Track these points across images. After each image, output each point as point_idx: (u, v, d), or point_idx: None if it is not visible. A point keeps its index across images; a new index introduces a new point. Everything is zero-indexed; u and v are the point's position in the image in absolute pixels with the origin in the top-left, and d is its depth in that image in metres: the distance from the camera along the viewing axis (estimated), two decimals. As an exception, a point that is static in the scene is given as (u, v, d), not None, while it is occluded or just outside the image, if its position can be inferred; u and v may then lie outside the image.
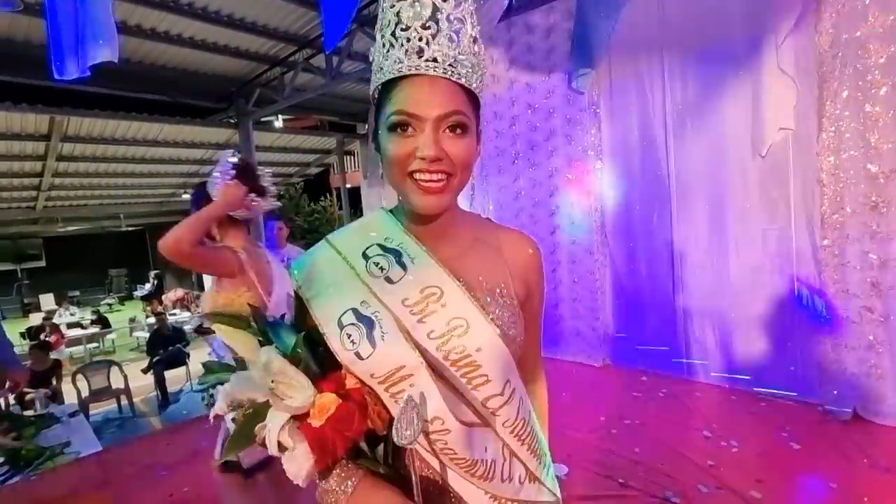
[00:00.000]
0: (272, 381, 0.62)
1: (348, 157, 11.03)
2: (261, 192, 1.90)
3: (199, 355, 6.66)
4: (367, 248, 0.72)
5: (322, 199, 16.49)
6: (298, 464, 0.61)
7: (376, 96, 0.69)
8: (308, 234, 16.08)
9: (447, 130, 0.64)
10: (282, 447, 0.62)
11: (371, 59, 0.69)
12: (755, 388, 3.03)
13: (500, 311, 0.70)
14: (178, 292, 12.72)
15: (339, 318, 0.67)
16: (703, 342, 3.30)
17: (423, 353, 0.65)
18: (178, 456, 2.84)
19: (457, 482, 0.70)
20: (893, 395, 2.53)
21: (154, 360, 6.19)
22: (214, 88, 6.33)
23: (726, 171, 3.09)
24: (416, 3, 0.63)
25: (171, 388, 6.10)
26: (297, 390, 0.62)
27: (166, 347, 6.30)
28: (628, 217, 3.54)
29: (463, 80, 0.65)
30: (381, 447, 0.67)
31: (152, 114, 6.37)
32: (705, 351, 3.30)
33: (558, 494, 0.79)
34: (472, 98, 0.67)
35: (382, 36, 0.66)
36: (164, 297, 12.38)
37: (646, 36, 3.28)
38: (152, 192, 11.13)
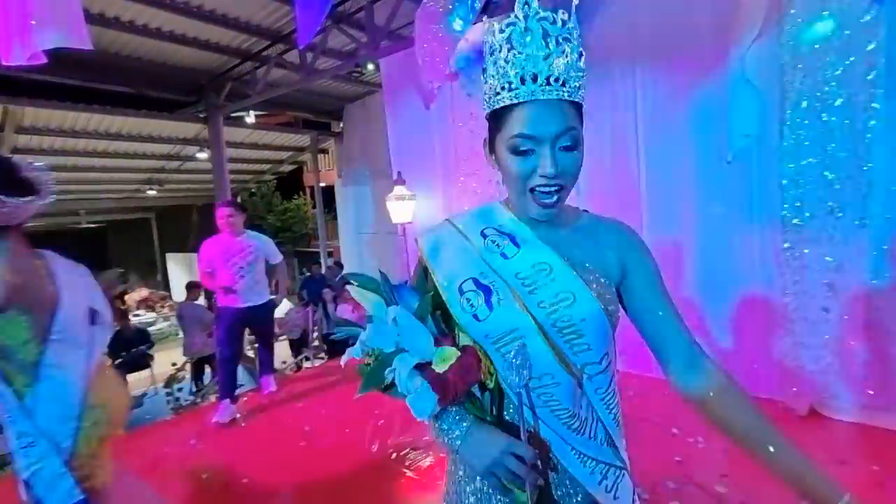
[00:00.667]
0: (398, 335, 0.74)
1: (323, 156, 10.88)
2: (21, 188, 1.39)
3: (164, 357, 6.43)
4: (485, 228, 0.83)
5: (295, 197, 16.20)
6: (422, 403, 0.72)
7: (491, 114, 0.76)
8: (281, 233, 15.76)
9: (561, 147, 0.72)
10: (407, 390, 0.73)
11: (484, 80, 0.75)
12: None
13: (601, 290, 0.78)
14: (143, 292, 12.25)
15: (461, 286, 0.78)
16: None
17: (534, 317, 0.75)
18: (141, 463, 2.74)
19: (551, 437, 0.78)
20: (847, 392, 2.66)
21: (115, 362, 5.94)
22: (183, 81, 6.13)
23: (694, 175, 3.18)
24: (528, 31, 0.69)
25: (133, 392, 5.87)
26: (420, 342, 0.74)
27: (129, 350, 6.05)
28: (601, 219, 3.60)
29: (573, 97, 0.72)
30: (488, 398, 0.78)
31: (116, 106, 6.11)
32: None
33: (627, 463, 0.86)
34: (579, 107, 0.74)
35: (493, 59, 0.73)
36: (127, 297, 11.89)
37: (618, 44, 3.34)
38: (115, 188, 10.71)
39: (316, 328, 6.03)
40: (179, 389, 5.01)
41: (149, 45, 5.07)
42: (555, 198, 0.74)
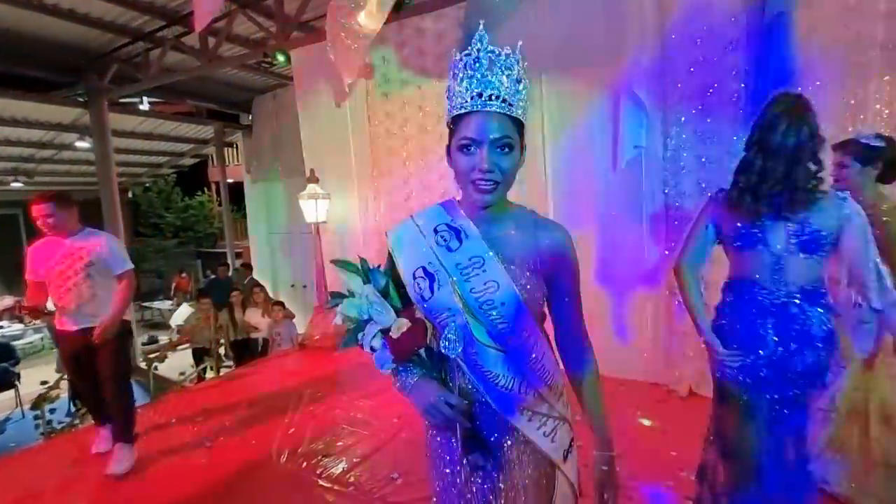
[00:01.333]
0: (369, 307, 0.97)
1: (229, 149, 10.15)
2: None
3: (34, 375, 5.59)
4: (438, 225, 1.01)
5: (199, 193, 14.92)
6: (382, 360, 0.97)
7: (450, 123, 0.95)
8: (182, 233, 14.44)
9: (498, 149, 0.90)
10: (373, 349, 0.98)
11: (447, 98, 0.95)
12: (615, 374, 3.42)
13: (522, 280, 0.96)
14: (7, 300, 10.54)
15: (414, 272, 0.99)
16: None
17: (465, 301, 0.95)
18: (5, 499, 2.35)
19: (485, 391, 0.97)
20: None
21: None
22: (59, 59, 5.37)
23: (593, 180, 3.44)
24: (478, 60, 0.90)
25: (-7, 417, 5.03)
26: (384, 314, 0.97)
27: (-12, 367, 5.19)
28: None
29: (511, 112, 0.91)
30: (430, 360, 1.00)
31: (-32, 82, 5.19)
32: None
33: (567, 416, 1.03)
34: (518, 122, 0.93)
35: (452, 80, 0.93)
36: (-15, 306, 10.13)
37: (524, 52, 3.51)
38: (-31, 179, 9.09)
39: (220, 335, 5.61)
40: (52, 411, 4.37)
41: (17, 16, 4.36)
42: (490, 188, 0.91)
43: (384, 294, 0.98)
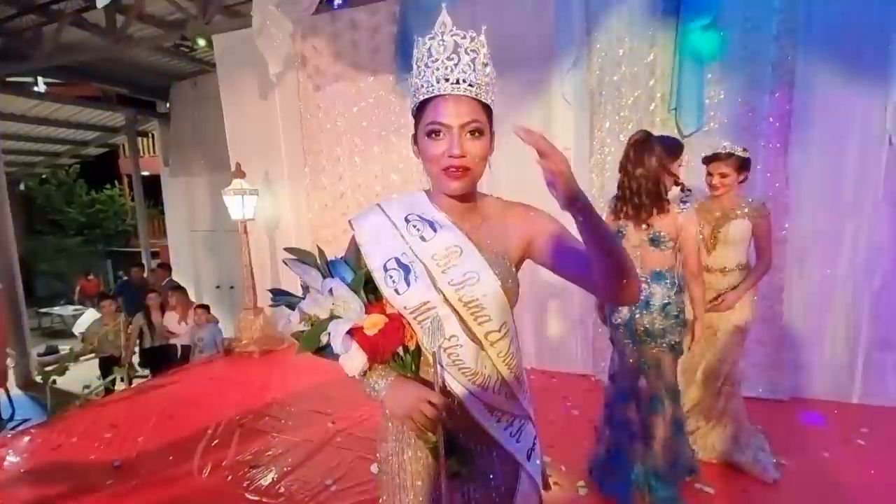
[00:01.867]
0: (333, 303, 0.89)
1: (144, 139, 9.31)
2: None
3: None
4: (409, 214, 0.96)
5: (107, 186, 13.56)
6: (354, 361, 0.88)
7: (415, 110, 0.91)
8: (87, 230, 13.04)
9: (468, 134, 0.86)
10: (341, 350, 0.87)
11: (410, 82, 0.92)
12: (548, 368, 3.57)
13: (500, 270, 0.92)
14: None
15: (385, 264, 0.92)
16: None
17: (444, 294, 0.90)
18: None
19: (460, 391, 0.93)
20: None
21: None
22: (-77, 28, 4.62)
23: (525, 182, 3.53)
24: (442, 41, 0.87)
25: None
26: (352, 310, 0.88)
27: None
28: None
29: (478, 96, 0.87)
30: (409, 358, 0.93)
31: None
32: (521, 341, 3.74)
33: (530, 413, 1.01)
34: (487, 107, 0.90)
35: (418, 65, 0.89)
36: None
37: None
38: None
39: (127, 342, 5.12)
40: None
41: None
42: (462, 174, 0.87)
43: (353, 289, 0.90)
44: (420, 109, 0.90)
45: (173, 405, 3.33)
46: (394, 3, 3.62)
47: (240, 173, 4.31)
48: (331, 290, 0.88)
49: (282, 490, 2.27)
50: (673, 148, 2.07)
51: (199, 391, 3.61)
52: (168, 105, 7.18)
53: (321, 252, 0.93)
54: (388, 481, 1.01)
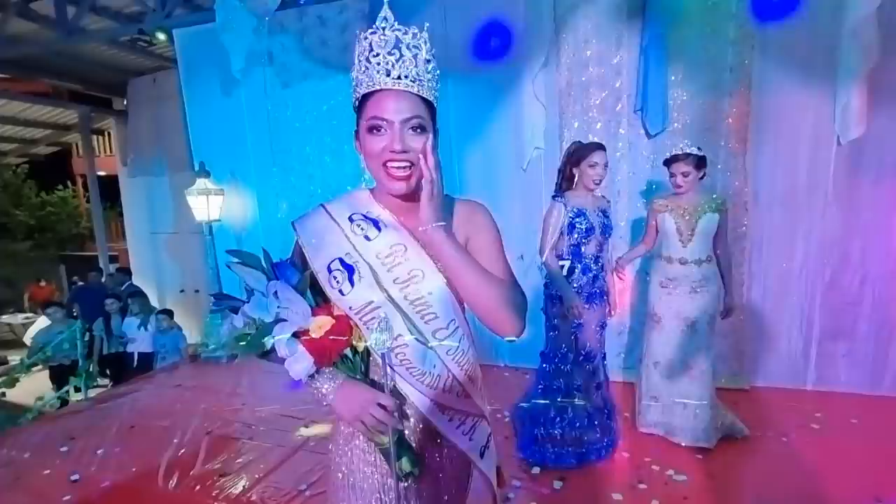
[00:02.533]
0: (278, 306, 0.87)
1: (99, 138, 8.88)
2: None
3: None
4: (353, 214, 0.95)
5: (60, 188, 12.86)
6: (300, 364, 0.86)
7: (357, 105, 0.90)
8: (38, 234, 12.32)
9: (409, 130, 0.86)
10: (286, 353, 0.86)
11: (353, 79, 0.90)
12: (525, 365, 3.61)
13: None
14: None
15: (329, 265, 0.91)
16: (484, 329, 3.76)
17: (389, 293, 0.89)
18: None
19: (410, 391, 0.92)
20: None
21: None
22: None
23: (498, 179, 3.57)
24: (384, 36, 0.85)
25: None
26: (298, 313, 0.87)
27: None
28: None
29: (420, 91, 0.87)
30: (358, 359, 0.92)
31: None
32: (487, 337, 3.76)
33: (484, 411, 0.99)
34: (429, 104, 0.89)
35: (359, 60, 0.88)
36: None
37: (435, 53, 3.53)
38: None
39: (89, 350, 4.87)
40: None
41: None
42: (406, 172, 0.86)
43: (300, 291, 0.89)
44: (361, 104, 0.89)
45: (135, 415, 3.19)
46: (363, 0, 3.57)
47: (203, 172, 4.16)
48: (276, 293, 0.86)
49: (254, 497, 2.21)
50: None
51: (163, 399, 3.46)
52: (125, 102, 6.86)
53: (266, 254, 0.92)
54: (340, 482, 0.99)
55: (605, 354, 2.43)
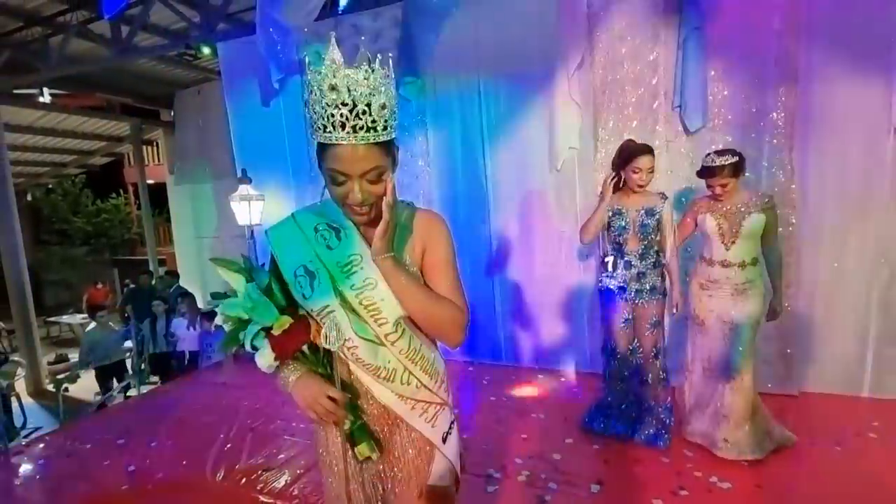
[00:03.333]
0: (250, 306, 0.96)
1: (148, 148, 9.38)
2: None
3: None
4: (318, 224, 1.03)
5: (113, 196, 13.64)
6: (265, 358, 0.96)
7: (316, 147, 0.93)
8: (93, 239, 13.12)
9: (367, 181, 0.90)
10: (253, 347, 0.98)
11: (308, 111, 0.90)
12: (557, 367, 3.57)
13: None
14: None
15: (295, 270, 1.00)
16: (516, 331, 3.75)
17: (344, 297, 0.98)
18: None
19: (369, 383, 1.02)
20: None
21: None
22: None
23: (530, 179, 3.56)
24: (334, 89, 0.84)
25: None
26: (266, 313, 0.96)
27: None
28: (453, 216, 3.77)
29: (377, 139, 0.88)
30: (319, 355, 1.02)
31: None
32: (518, 339, 3.75)
33: (447, 400, 1.08)
34: (387, 144, 0.91)
35: (312, 98, 0.87)
36: None
37: (464, 56, 3.56)
38: None
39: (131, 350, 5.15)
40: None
41: None
42: (364, 211, 0.94)
43: (267, 293, 0.98)
44: (321, 149, 0.91)
45: (184, 410, 3.35)
46: (396, 7, 3.64)
47: (245, 179, 4.34)
48: (248, 295, 0.96)
49: (295, 492, 2.29)
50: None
51: (210, 396, 3.63)
52: (172, 113, 7.24)
53: (247, 260, 1.02)
54: (321, 463, 1.13)
55: (661, 351, 2.42)
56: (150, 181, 8.65)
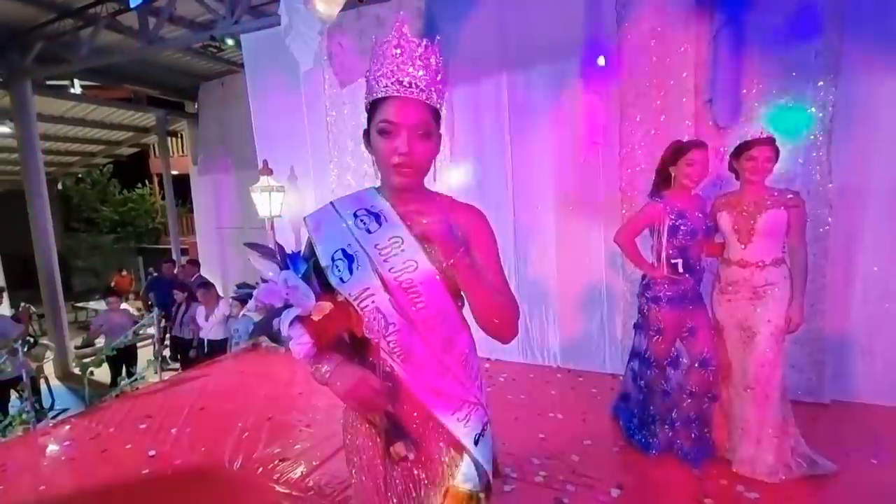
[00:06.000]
0: (286, 293, 0.93)
1: (173, 139, 9.56)
2: None
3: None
4: (357, 210, 1.04)
5: (139, 185, 13.99)
6: (300, 345, 0.93)
7: (368, 108, 0.98)
8: (120, 228, 13.49)
9: (416, 136, 0.94)
10: (290, 335, 0.93)
11: (367, 81, 0.98)
12: (577, 367, 3.51)
13: (440, 259, 0.96)
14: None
15: (333, 255, 1.00)
16: (535, 328, 3.69)
17: (384, 281, 0.97)
18: None
19: (404, 376, 0.99)
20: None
21: None
22: (-30, 33, 4.83)
23: (553, 173, 3.49)
24: (398, 47, 0.94)
25: None
26: (302, 299, 0.93)
27: None
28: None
29: (428, 100, 0.95)
30: (356, 343, 1.00)
31: None
32: (537, 337, 3.70)
33: (482, 400, 1.04)
34: (435, 112, 0.97)
35: (373, 65, 0.96)
36: None
37: (487, 47, 3.50)
38: None
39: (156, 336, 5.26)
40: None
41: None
42: (409, 172, 0.95)
43: (305, 279, 0.96)
44: (373, 108, 0.97)
45: (204, 398, 3.40)
46: (419, -2, 3.60)
47: (267, 170, 4.36)
48: (285, 281, 0.94)
49: (311, 484, 2.29)
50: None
51: (228, 384, 3.68)
52: (196, 105, 7.35)
53: (280, 247, 1.00)
54: (350, 463, 1.10)
55: (707, 361, 2.22)
56: (174, 172, 8.82)
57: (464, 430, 1.00)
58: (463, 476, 1.00)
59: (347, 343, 0.99)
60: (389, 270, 0.97)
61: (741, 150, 2.13)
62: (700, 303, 2.29)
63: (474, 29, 3.47)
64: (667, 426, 2.32)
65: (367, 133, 1.00)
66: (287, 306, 0.94)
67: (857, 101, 2.64)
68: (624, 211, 3.18)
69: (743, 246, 2.14)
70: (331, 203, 1.09)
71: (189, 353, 4.94)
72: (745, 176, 2.14)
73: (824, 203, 2.71)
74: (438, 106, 0.97)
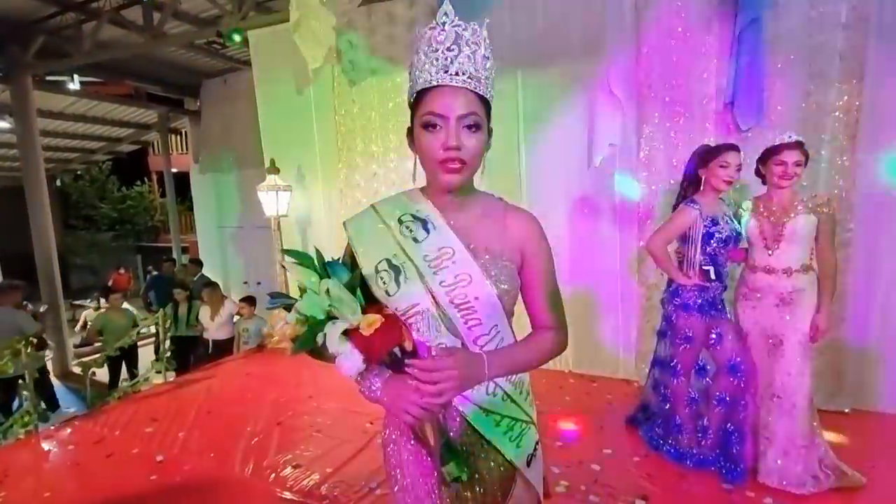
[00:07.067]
0: (329, 304, 0.86)
1: (174, 136, 9.45)
2: None
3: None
4: (402, 215, 0.95)
5: (138, 183, 13.87)
6: (351, 362, 0.85)
7: (412, 101, 0.90)
8: (118, 225, 13.37)
9: (465, 128, 0.85)
10: (337, 350, 0.85)
11: (408, 73, 0.91)
12: (590, 372, 3.46)
13: (497, 272, 0.91)
14: None
15: (377, 265, 0.92)
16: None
17: (434, 296, 0.89)
18: None
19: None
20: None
21: None
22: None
23: (567, 176, 3.43)
24: (443, 32, 0.85)
25: None
26: (348, 310, 0.86)
27: None
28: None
29: (477, 89, 0.86)
30: (406, 358, 0.90)
31: None
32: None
33: (533, 417, 0.99)
34: (485, 102, 0.88)
35: (417, 55, 0.88)
36: None
37: (501, 45, 3.42)
38: None
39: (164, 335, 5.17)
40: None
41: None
42: (458, 167, 0.86)
43: (350, 289, 0.88)
44: (417, 100, 0.88)
45: (211, 401, 3.34)
46: (432, -4, 3.54)
47: (274, 169, 4.30)
48: (327, 291, 0.86)
49: (324, 492, 2.23)
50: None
51: (235, 387, 3.61)
52: (198, 103, 7.26)
53: (319, 254, 0.92)
54: (391, 479, 1.03)
55: (737, 369, 2.14)
56: (174, 170, 8.72)
57: (515, 451, 0.95)
58: (516, 500, 0.95)
59: (398, 357, 0.92)
60: (440, 284, 0.89)
61: (769, 154, 2.08)
62: (724, 309, 2.24)
63: (488, 28, 3.41)
64: (699, 434, 2.26)
65: (410, 131, 0.91)
66: (330, 318, 0.86)
67: (882, 105, 2.60)
68: (640, 214, 3.13)
69: (770, 252, 2.09)
70: (372, 206, 1.01)
71: (189, 353, 4.86)
72: (773, 180, 2.08)
73: (847, 209, 2.67)
74: (489, 96, 0.88)
